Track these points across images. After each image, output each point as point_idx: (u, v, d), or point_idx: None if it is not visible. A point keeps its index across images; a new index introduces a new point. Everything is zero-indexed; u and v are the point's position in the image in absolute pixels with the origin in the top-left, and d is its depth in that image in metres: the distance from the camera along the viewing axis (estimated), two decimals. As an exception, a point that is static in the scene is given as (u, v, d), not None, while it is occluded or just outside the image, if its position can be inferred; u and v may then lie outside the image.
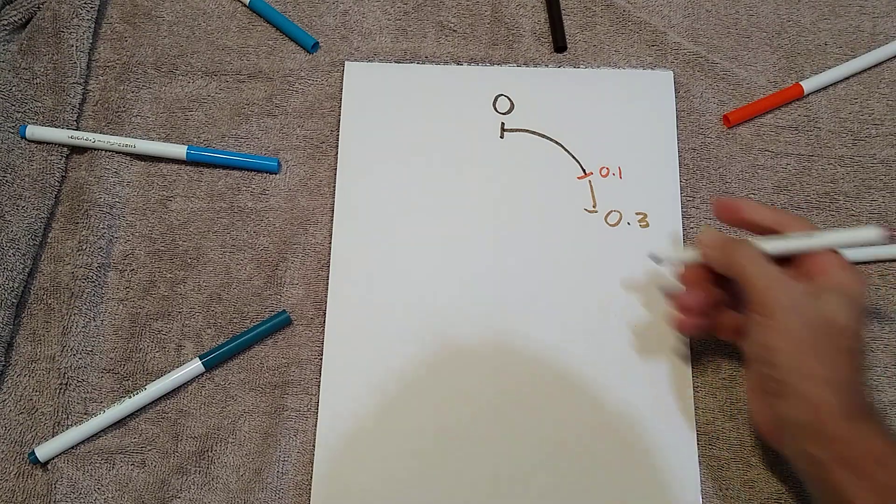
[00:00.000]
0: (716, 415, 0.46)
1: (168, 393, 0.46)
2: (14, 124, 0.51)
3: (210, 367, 0.47)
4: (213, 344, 0.47)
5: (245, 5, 0.54)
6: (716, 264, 0.42)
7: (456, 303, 0.48)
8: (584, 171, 0.51)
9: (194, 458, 0.45)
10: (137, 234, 0.50)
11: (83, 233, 0.49)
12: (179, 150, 0.50)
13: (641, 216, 0.50)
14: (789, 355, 0.37)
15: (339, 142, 0.51)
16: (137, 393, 0.46)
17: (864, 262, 0.49)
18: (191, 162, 0.51)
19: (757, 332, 0.39)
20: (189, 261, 0.49)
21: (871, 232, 0.39)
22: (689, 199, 0.50)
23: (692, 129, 0.52)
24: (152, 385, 0.46)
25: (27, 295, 0.48)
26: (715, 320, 0.44)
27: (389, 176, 0.51)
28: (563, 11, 0.54)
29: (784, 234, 0.41)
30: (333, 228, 0.49)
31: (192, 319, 0.48)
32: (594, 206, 0.50)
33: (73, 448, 0.45)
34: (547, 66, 0.53)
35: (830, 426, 0.36)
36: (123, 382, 0.47)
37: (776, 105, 0.52)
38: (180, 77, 0.53)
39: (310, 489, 0.45)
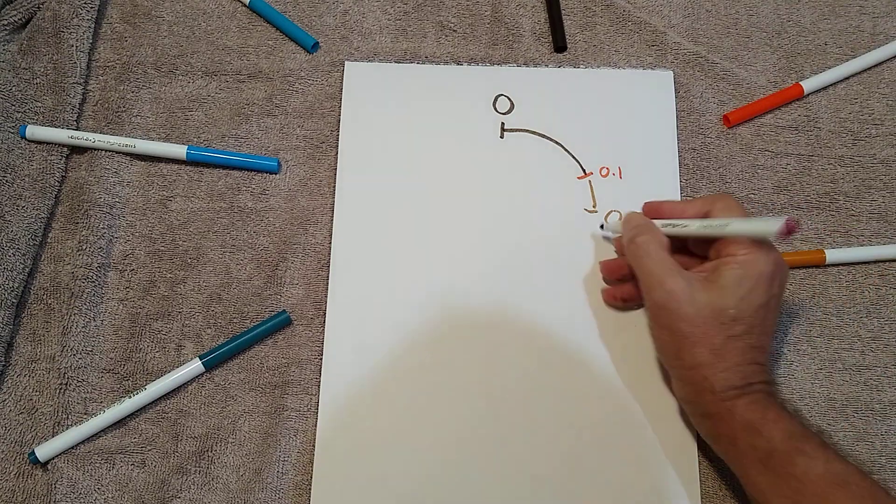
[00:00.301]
0: (716, 415, 0.46)
1: (168, 393, 0.46)
2: (14, 124, 0.51)
3: (210, 367, 0.47)
4: (213, 344, 0.47)
5: (245, 5, 0.54)
6: (627, 255, 0.45)
7: (456, 303, 0.48)
8: (584, 171, 0.51)
9: (194, 458, 0.45)
10: (137, 234, 0.50)
11: (83, 233, 0.49)
12: (179, 150, 0.50)
13: (641, 216, 0.50)
14: (673, 347, 0.41)
15: (339, 142, 0.51)
16: (137, 393, 0.46)
17: (864, 263, 0.49)
18: (191, 162, 0.51)
19: (649, 326, 0.45)
20: (189, 261, 0.49)
21: (772, 223, 0.38)
22: (689, 199, 0.50)
23: (692, 129, 0.52)
24: (152, 385, 0.46)
25: (27, 295, 0.48)
26: (629, 291, 0.47)
27: (389, 176, 0.51)
28: (563, 11, 0.54)
29: (706, 219, 0.42)
30: (333, 228, 0.49)
31: (192, 319, 0.48)
32: (594, 206, 0.50)
33: (73, 448, 0.45)
34: (547, 66, 0.53)
35: (709, 407, 0.40)
36: (123, 382, 0.47)
37: (776, 105, 0.52)
38: (180, 77, 0.53)
39: (310, 489, 0.45)
